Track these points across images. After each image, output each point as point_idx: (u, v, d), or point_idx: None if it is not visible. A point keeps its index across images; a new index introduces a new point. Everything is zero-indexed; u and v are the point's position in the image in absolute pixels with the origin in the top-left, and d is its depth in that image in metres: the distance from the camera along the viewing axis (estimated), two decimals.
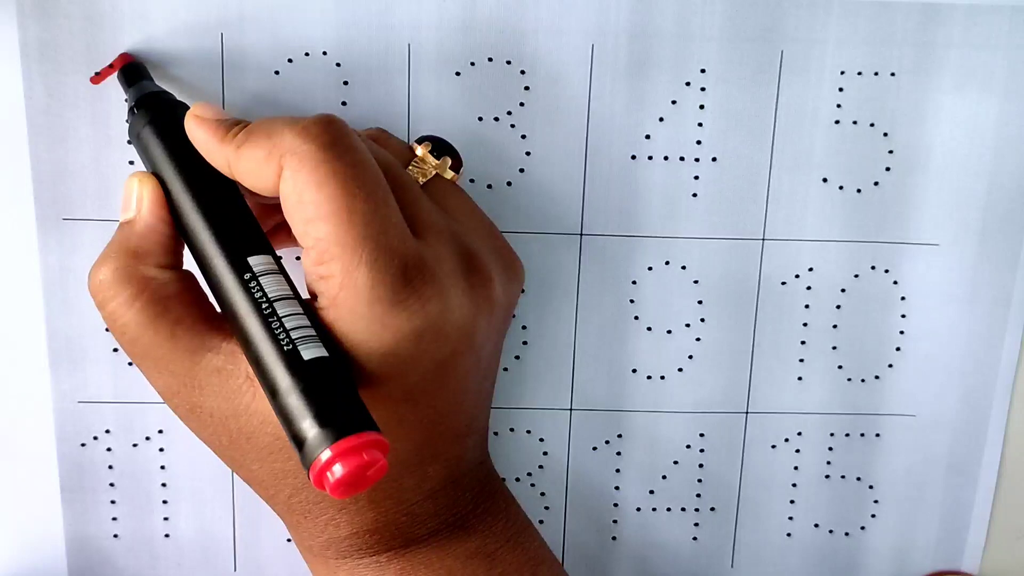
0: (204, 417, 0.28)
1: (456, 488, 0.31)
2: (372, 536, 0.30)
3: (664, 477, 0.40)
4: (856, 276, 0.38)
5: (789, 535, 0.41)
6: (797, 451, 0.40)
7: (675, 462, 0.39)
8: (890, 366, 0.39)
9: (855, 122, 0.36)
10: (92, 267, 0.28)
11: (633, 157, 0.36)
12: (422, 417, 0.29)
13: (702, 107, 0.36)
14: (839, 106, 0.36)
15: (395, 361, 0.27)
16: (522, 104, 0.35)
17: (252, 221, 0.28)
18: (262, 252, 0.27)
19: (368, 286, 0.26)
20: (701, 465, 0.39)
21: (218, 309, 0.28)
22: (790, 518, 0.40)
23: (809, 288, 0.38)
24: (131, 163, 0.34)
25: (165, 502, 0.38)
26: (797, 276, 0.38)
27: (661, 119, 0.36)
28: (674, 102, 0.35)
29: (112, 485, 0.38)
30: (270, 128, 0.27)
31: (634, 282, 0.37)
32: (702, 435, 0.39)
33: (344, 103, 0.35)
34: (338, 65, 0.34)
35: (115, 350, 0.36)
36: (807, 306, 0.38)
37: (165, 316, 0.27)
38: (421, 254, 0.27)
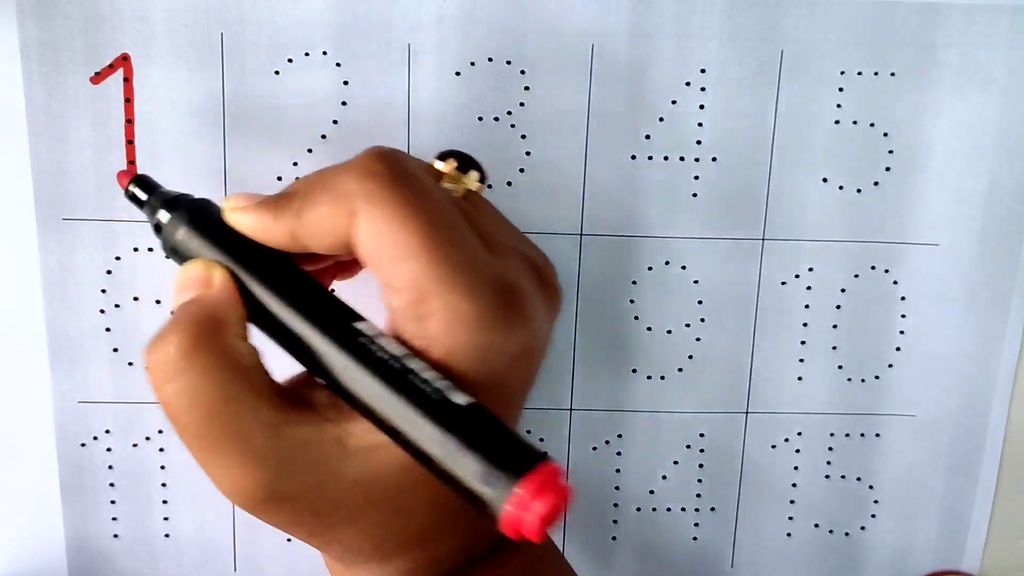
0: (283, 504, 0.25)
1: None
2: (441, 563, 0.29)
3: (664, 477, 0.40)
4: (856, 276, 0.38)
5: (789, 535, 0.41)
6: (797, 451, 0.40)
7: (675, 462, 0.39)
8: (890, 366, 0.39)
9: (855, 122, 0.36)
10: (150, 344, 0.25)
11: (633, 157, 0.36)
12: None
13: (702, 107, 0.36)
14: (839, 106, 0.36)
15: (506, 386, 0.26)
16: (522, 104, 0.35)
17: (329, 293, 0.27)
18: (359, 318, 0.26)
19: (475, 316, 0.25)
20: (701, 465, 0.39)
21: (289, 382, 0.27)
22: (790, 518, 0.40)
23: (809, 288, 0.38)
24: (131, 163, 0.34)
25: (165, 502, 0.38)
26: (797, 276, 0.38)
27: (661, 119, 0.36)
28: (674, 102, 0.35)
29: (112, 485, 0.38)
30: (325, 181, 0.25)
31: (634, 282, 0.37)
32: (702, 435, 0.39)
33: (344, 103, 0.35)
34: (338, 65, 0.34)
35: (115, 350, 0.36)
36: (807, 306, 0.38)
37: (248, 388, 0.25)
38: (507, 275, 0.26)
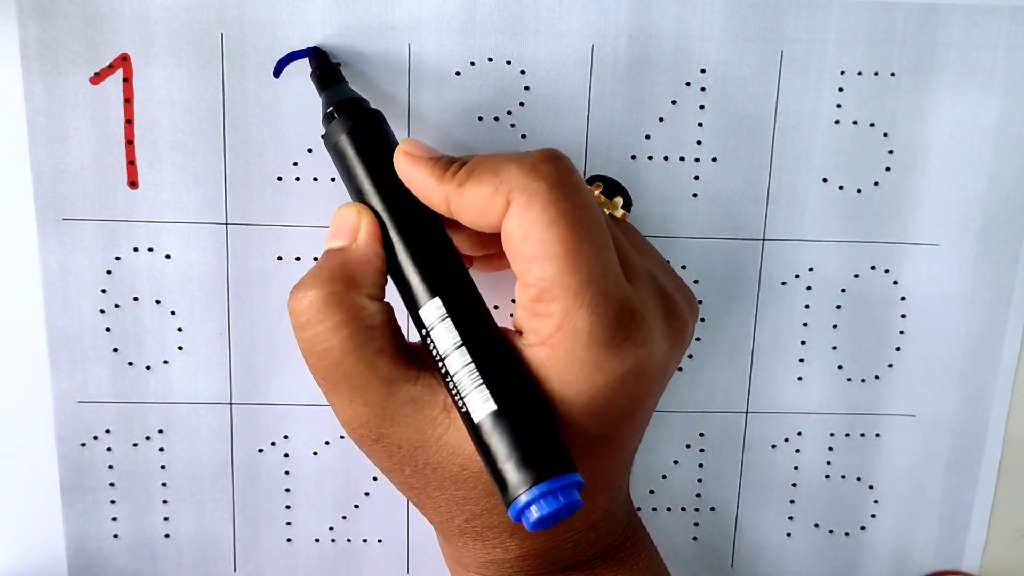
0: (391, 448, 0.28)
1: (612, 519, 0.31)
2: (536, 559, 0.30)
3: (664, 477, 0.40)
4: (856, 276, 0.38)
5: (789, 535, 0.41)
6: (797, 451, 0.40)
7: (675, 462, 0.39)
8: (890, 366, 0.39)
9: (855, 122, 0.36)
10: (294, 289, 0.28)
11: (633, 157, 0.36)
12: (607, 451, 0.29)
13: (702, 107, 0.36)
14: (839, 106, 0.36)
15: (601, 402, 0.27)
16: (522, 104, 0.35)
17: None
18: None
19: (587, 330, 0.26)
20: (701, 465, 0.39)
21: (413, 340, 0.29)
22: (790, 518, 0.40)
23: (809, 288, 0.38)
24: (131, 163, 0.34)
25: (165, 502, 0.38)
26: (797, 276, 0.38)
27: (661, 119, 0.36)
28: (674, 102, 0.35)
29: (112, 485, 0.38)
30: (495, 165, 0.27)
31: None
32: (702, 435, 0.39)
33: None
34: (338, 65, 0.34)
35: (115, 350, 0.36)
36: (807, 306, 0.38)
37: (369, 345, 0.27)
38: (632, 298, 0.27)
